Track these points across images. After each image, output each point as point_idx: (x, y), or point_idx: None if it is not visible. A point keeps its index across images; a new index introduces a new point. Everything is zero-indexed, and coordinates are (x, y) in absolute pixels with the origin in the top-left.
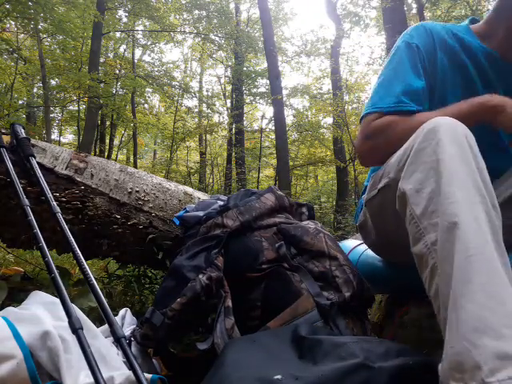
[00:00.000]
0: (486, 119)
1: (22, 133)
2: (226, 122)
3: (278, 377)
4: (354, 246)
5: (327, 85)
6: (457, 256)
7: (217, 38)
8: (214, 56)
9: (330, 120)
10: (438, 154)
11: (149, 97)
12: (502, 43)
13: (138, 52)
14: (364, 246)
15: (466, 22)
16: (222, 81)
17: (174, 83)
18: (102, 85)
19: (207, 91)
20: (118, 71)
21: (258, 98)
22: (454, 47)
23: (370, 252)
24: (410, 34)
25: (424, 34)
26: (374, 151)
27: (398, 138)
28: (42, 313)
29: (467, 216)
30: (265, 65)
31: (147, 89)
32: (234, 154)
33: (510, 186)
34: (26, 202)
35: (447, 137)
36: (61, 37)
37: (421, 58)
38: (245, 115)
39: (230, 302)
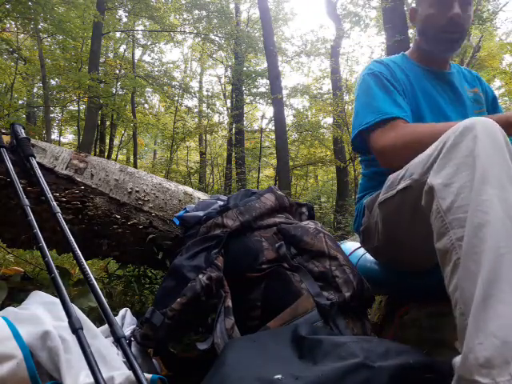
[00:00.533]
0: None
1: (22, 133)
2: (226, 122)
3: (278, 376)
4: (354, 249)
5: (327, 85)
6: (485, 254)
7: (217, 38)
8: (213, 56)
9: (330, 120)
10: (473, 151)
11: (149, 97)
12: (423, 49)
13: (137, 52)
14: (363, 250)
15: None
16: (222, 81)
17: (173, 83)
18: (101, 85)
19: (207, 91)
20: (118, 71)
21: (257, 98)
22: (402, 73)
23: (368, 256)
24: (368, 68)
25: (380, 65)
26: (402, 150)
27: (427, 137)
28: (41, 313)
29: (500, 214)
30: (265, 65)
31: (147, 89)
32: (234, 154)
33: None
34: (26, 202)
35: (483, 134)
36: (61, 37)
37: (388, 78)
38: (245, 115)
39: (230, 302)
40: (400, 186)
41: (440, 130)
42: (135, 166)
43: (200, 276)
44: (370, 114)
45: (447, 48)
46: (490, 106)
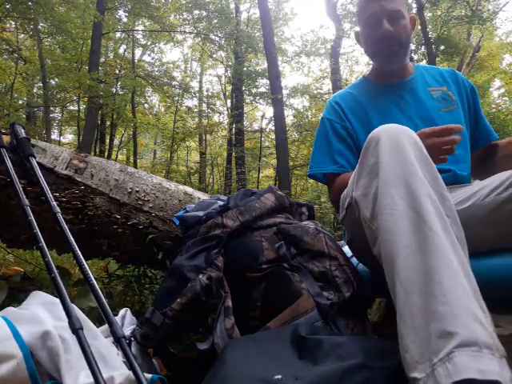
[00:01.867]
0: None
1: (22, 133)
2: (226, 122)
3: (279, 377)
4: None
5: (327, 85)
6: (397, 256)
7: (217, 38)
8: (214, 56)
9: None
10: (377, 157)
11: (149, 96)
12: (375, 67)
13: (137, 52)
14: None
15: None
16: (223, 81)
17: (173, 83)
18: (102, 85)
19: (207, 91)
20: (118, 71)
21: (257, 98)
22: (355, 99)
23: None
24: (324, 111)
25: (331, 109)
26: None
27: (339, 188)
28: (42, 313)
29: (405, 210)
30: (265, 65)
31: (147, 88)
32: (233, 154)
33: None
34: (26, 201)
35: (385, 139)
36: (61, 37)
37: (335, 126)
38: (245, 115)
39: (230, 302)
40: (346, 204)
41: None
42: (135, 166)
43: (200, 276)
44: (314, 164)
45: (389, 61)
46: (470, 96)
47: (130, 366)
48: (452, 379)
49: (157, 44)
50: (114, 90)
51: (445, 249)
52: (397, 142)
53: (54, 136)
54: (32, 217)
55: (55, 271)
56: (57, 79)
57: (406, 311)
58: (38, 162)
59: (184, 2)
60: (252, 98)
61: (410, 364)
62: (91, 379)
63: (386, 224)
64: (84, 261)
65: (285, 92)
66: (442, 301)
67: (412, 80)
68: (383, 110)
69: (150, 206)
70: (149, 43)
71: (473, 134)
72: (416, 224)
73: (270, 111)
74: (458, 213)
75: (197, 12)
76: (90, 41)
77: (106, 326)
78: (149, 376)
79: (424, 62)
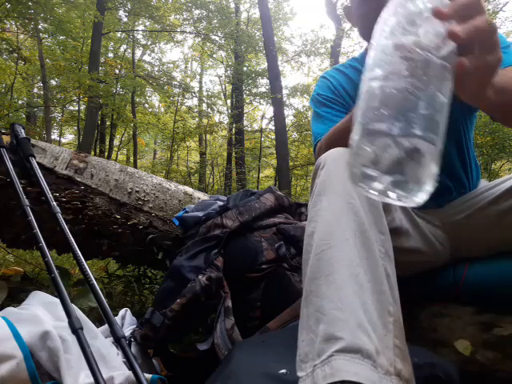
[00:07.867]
0: None
1: (22, 133)
2: (226, 121)
3: (283, 371)
4: None
5: None
6: (310, 255)
7: (217, 38)
8: (214, 56)
9: None
10: (317, 176)
11: (149, 96)
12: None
13: (138, 52)
14: None
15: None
16: (223, 81)
17: (174, 83)
18: (102, 85)
19: (207, 91)
20: (118, 71)
21: (258, 97)
22: (351, 75)
23: None
24: (315, 87)
25: (323, 83)
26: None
27: (336, 135)
28: (42, 313)
29: (328, 216)
30: (265, 65)
31: (147, 88)
32: (234, 154)
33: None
34: (26, 202)
35: (330, 163)
36: (61, 37)
37: (324, 100)
38: (245, 115)
39: (229, 303)
40: None
41: (339, 126)
42: (135, 166)
43: (200, 276)
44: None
45: None
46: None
47: (130, 366)
48: (326, 381)
49: (157, 44)
50: (114, 90)
51: (347, 259)
52: (338, 165)
53: (54, 136)
54: (32, 217)
55: (55, 271)
56: (57, 79)
57: (304, 312)
58: (38, 162)
59: (184, 2)
60: (252, 98)
61: (297, 362)
62: (91, 379)
63: (310, 230)
64: (84, 261)
65: (285, 92)
66: (337, 306)
67: None
68: None
69: (150, 206)
70: (149, 43)
71: None
72: (328, 234)
73: (270, 111)
74: (459, 221)
75: (197, 12)
76: (90, 41)
77: (106, 326)
78: (149, 376)
79: None
